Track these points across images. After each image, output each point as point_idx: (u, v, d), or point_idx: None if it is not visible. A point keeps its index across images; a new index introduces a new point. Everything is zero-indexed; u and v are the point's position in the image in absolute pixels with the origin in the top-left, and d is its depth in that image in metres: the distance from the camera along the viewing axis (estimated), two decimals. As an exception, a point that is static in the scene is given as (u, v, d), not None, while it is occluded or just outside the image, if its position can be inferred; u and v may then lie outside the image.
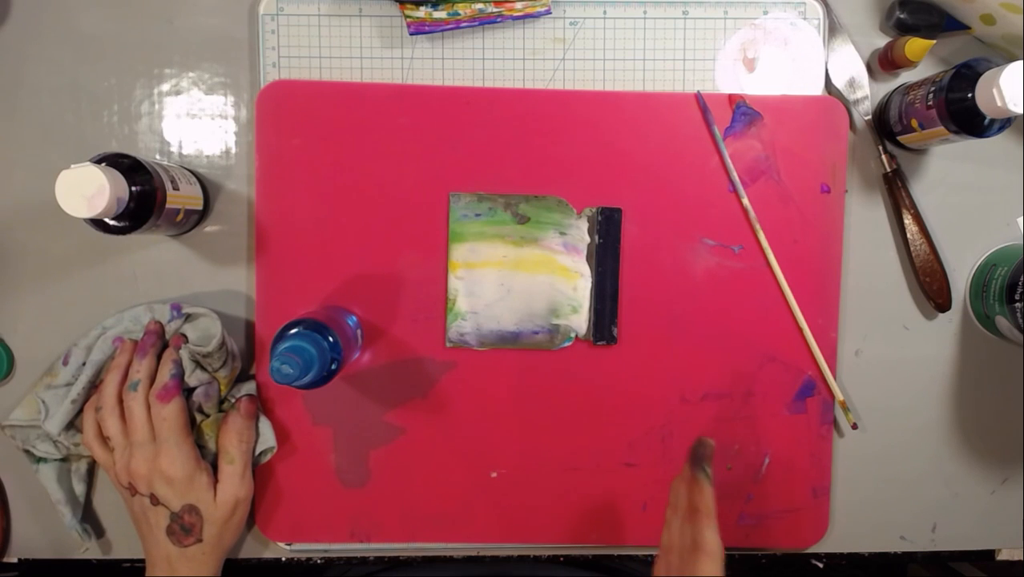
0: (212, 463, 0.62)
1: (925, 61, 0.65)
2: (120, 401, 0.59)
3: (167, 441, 0.58)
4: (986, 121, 0.56)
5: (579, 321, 0.65)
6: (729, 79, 0.65)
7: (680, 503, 0.55)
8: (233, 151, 0.65)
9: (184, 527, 0.59)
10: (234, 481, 0.60)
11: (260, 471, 0.65)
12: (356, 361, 0.64)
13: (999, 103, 0.53)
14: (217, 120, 0.65)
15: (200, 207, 0.63)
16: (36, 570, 0.67)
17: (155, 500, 0.58)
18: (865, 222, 0.67)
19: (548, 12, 0.64)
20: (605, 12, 0.65)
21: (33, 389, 0.62)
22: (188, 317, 0.63)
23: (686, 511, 0.54)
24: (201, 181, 0.64)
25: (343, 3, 0.64)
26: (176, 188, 0.58)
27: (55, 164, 0.53)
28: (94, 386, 0.62)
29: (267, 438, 0.63)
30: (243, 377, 0.64)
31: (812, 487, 0.67)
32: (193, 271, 0.65)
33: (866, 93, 0.66)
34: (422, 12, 0.63)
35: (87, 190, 0.50)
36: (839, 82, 0.66)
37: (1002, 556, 0.70)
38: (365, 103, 0.63)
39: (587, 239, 0.64)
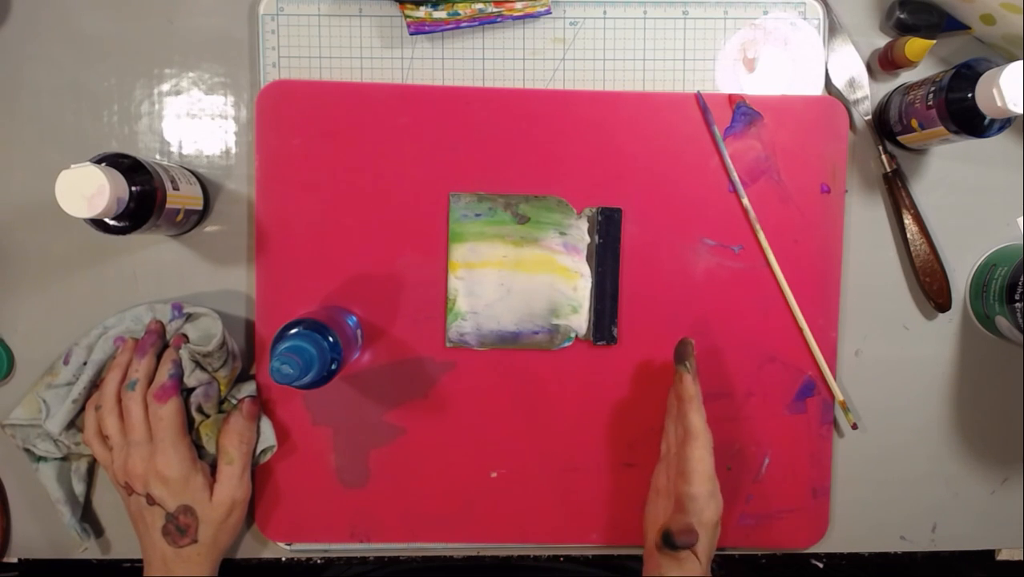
0: (212, 464, 0.62)
1: (925, 61, 0.65)
2: (120, 400, 0.59)
3: (163, 441, 0.58)
4: (986, 121, 0.56)
5: (579, 321, 0.65)
6: (729, 79, 0.65)
7: (671, 407, 0.59)
8: (233, 151, 0.65)
9: (179, 527, 0.59)
10: (232, 482, 0.60)
11: (260, 471, 0.65)
12: (356, 361, 0.64)
13: (999, 103, 0.53)
14: (217, 120, 0.65)
15: (200, 207, 0.63)
16: (36, 570, 0.67)
17: (151, 500, 0.58)
18: (865, 222, 0.67)
19: (548, 12, 0.64)
20: (605, 12, 0.65)
21: (34, 388, 0.62)
22: (189, 317, 0.63)
23: (676, 408, 0.58)
24: (201, 181, 0.64)
25: (343, 3, 0.64)
26: (176, 188, 0.58)
27: (55, 164, 0.53)
28: (95, 386, 0.62)
29: (267, 437, 0.63)
30: (243, 377, 0.64)
31: (812, 487, 0.67)
32: (193, 271, 0.65)
33: (866, 93, 0.66)
34: (422, 12, 0.63)
35: (87, 190, 0.50)
36: (839, 82, 0.66)
37: (1002, 556, 0.70)
38: (365, 103, 0.63)
39: (587, 239, 0.64)
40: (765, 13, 0.65)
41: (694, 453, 0.54)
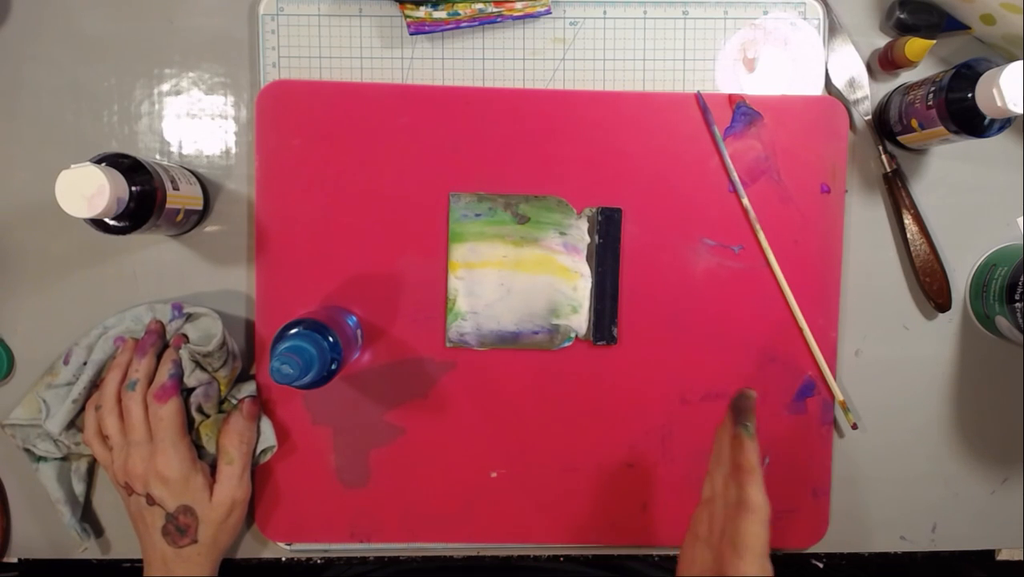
0: (211, 464, 0.62)
1: (925, 61, 0.65)
2: (120, 400, 0.59)
3: (163, 441, 0.58)
4: (986, 121, 0.56)
5: (579, 321, 0.65)
6: (729, 79, 0.65)
7: (723, 456, 0.53)
8: (233, 151, 0.65)
9: (179, 528, 0.59)
10: (232, 482, 0.60)
11: (260, 471, 0.65)
12: (356, 361, 0.64)
13: (999, 103, 0.53)
14: (217, 120, 0.65)
15: (200, 207, 0.63)
16: (36, 570, 0.67)
17: (151, 500, 0.58)
18: (865, 222, 0.67)
19: (548, 12, 0.64)
20: (605, 12, 0.65)
21: (34, 388, 0.62)
22: (189, 317, 0.63)
23: (729, 468, 0.52)
24: (201, 181, 0.64)
25: (343, 3, 0.64)
26: (176, 188, 0.58)
27: (55, 164, 0.52)
28: (95, 386, 0.62)
29: (267, 437, 0.63)
30: (243, 377, 0.64)
31: (812, 487, 0.67)
32: (193, 271, 0.65)
33: (866, 93, 0.66)
34: (422, 12, 0.63)
35: (87, 190, 0.50)
36: (839, 82, 0.66)
37: (1002, 556, 0.70)
38: (365, 103, 0.63)
39: (587, 239, 0.64)
40: (765, 13, 0.65)
41: (751, 528, 0.49)
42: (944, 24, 0.64)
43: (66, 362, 0.62)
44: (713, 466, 0.55)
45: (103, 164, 0.51)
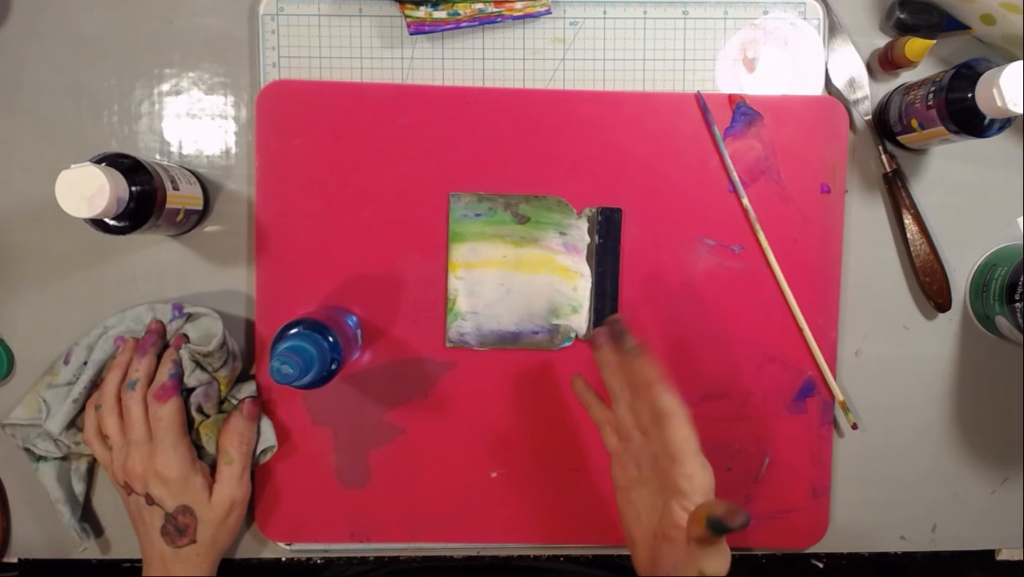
0: (211, 464, 0.62)
1: (925, 61, 0.65)
2: (120, 400, 0.59)
3: (163, 441, 0.58)
4: (986, 121, 0.56)
5: (579, 321, 0.65)
6: (729, 79, 0.65)
7: (616, 393, 0.54)
8: (233, 151, 0.65)
9: (178, 527, 0.59)
10: (231, 482, 0.60)
11: (259, 471, 0.65)
12: (356, 361, 0.64)
13: (999, 103, 0.53)
14: (217, 120, 0.65)
15: (200, 207, 0.63)
16: (36, 570, 0.67)
17: (150, 500, 0.58)
18: (865, 222, 0.67)
19: (548, 12, 0.64)
20: (605, 12, 0.65)
21: (34, 388, 0.62)
22: (190, 317, 0.63)
23: (629, 394, 0.53)
24: (201, 181, 0.64)
25: (343, 3, 0.64)
26: (176, 188, 0.58)
27: (55, 164, 0.52)
28: (95, 385, 0.62)
29: (268, 437, 0.63)
30: (243, 377, 0.64)
31: (812, 487, 0.67)
32: (193, 271, 0.65)
33: (866, 93, 0.66)
34: (422, 12, 0.63)
35: (87, 190, 0.50)
36: (839, 82, 0.66)
37: (1002, 556, 0.70)
38: (365, 103, 0.63)
39: (587, 239, 0.64)
40: (765, 13, 0.65)
41: (679, 432, 0.49)
42: (944, 24, 0.64)
43: (66, 362, 0.62)
44: (603, 415, 0.56)
45: (103, 164, 0.51)
